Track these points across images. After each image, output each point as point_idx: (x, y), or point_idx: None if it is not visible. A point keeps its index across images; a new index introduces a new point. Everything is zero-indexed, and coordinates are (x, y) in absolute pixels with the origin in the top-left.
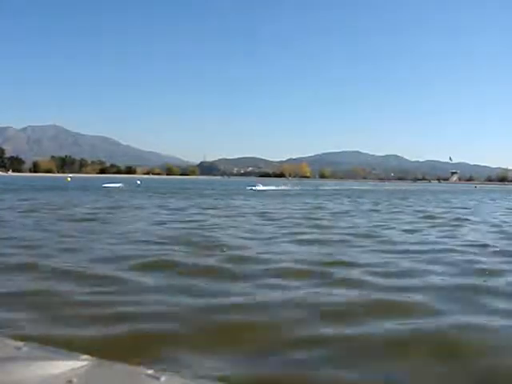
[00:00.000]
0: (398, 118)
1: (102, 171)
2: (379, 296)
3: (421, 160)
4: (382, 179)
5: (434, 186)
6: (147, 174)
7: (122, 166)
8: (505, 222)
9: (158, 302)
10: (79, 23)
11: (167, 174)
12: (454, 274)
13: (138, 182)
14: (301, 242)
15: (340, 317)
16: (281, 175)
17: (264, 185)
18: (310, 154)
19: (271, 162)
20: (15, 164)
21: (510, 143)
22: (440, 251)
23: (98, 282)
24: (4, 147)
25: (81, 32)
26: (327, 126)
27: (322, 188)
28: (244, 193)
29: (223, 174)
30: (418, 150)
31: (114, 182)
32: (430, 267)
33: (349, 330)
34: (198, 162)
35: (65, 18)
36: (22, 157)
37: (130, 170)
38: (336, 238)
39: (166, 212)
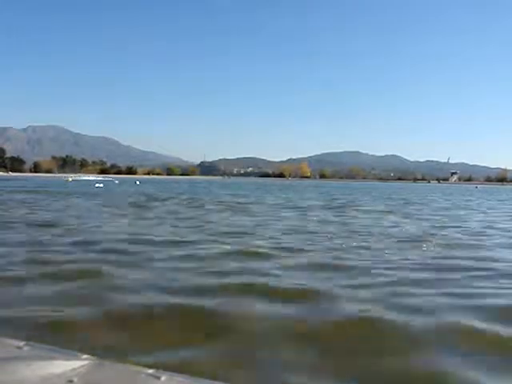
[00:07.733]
0: (397, 118)
1: (103, 171)
2: None
3: (421, 160)
4: (381, 179)
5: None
6: (148, 174)
7: (123, 166)
8: None
9: None
10: (79, 23)
11: (168, 175)
12: None
13: (138, 183)
14: None
15: None
16: (281, 175)
17: None
18: (309, 154)
19: (271, 161)
20: (16, 164)
21: (509, 144)
22: None
23: None
24: (5, 147)
25: (81, 31)
26: (327, 126)
27: None
28: None
29: (223, 174)
30: (417, 150)
31: (99, 182)
32: None
33: None
34: (198, 162)
35: (65, 17)
36: (23, 157)
37: (130, 171)
38: None
39: None
